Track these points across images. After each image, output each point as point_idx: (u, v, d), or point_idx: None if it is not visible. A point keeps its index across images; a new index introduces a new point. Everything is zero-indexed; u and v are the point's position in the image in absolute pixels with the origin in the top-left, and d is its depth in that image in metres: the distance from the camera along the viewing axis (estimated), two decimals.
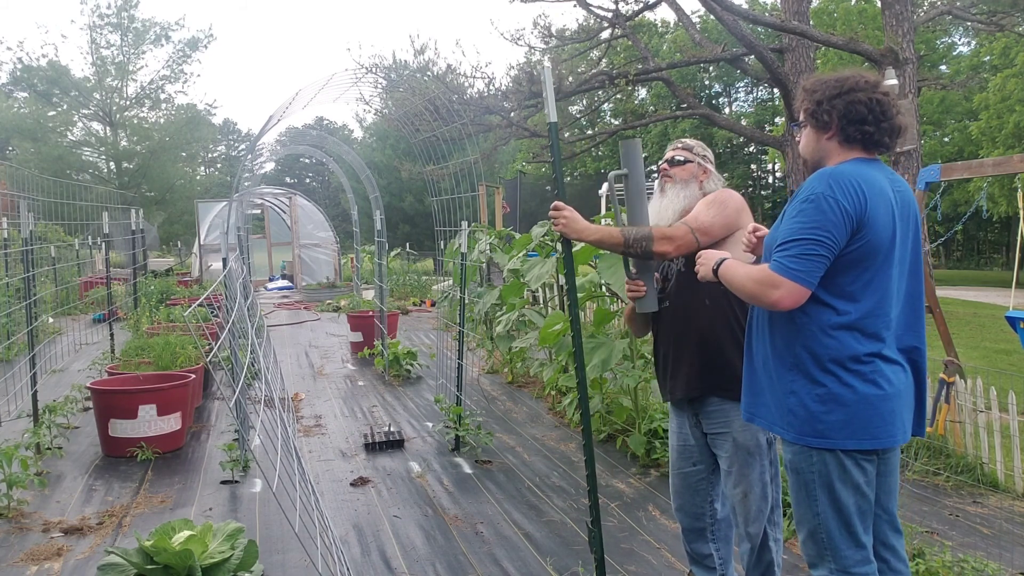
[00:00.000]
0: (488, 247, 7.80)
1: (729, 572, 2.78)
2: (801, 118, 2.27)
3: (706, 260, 2.32)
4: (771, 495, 2.60)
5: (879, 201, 2.05)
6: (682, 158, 2.80)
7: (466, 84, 17.32)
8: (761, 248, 2.34)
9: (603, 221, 5.27)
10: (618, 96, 18.70)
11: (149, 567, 2.96)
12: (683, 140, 2.89)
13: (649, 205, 2.79)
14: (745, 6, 21.08)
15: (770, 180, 46.59)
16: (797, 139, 2.32)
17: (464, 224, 5.54)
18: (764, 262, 2.25)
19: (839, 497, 2.11)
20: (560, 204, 2.62)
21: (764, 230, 2.37)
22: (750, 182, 45.76)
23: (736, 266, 2.23)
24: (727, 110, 44.77)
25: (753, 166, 46.24)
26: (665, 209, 2.76)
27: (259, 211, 19.85)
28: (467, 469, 4.81)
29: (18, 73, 32.27)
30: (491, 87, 16.46)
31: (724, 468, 2.63)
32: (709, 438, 2.66)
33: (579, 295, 5.40)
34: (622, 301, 4.79)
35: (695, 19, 23.19)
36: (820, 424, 2.09)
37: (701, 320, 2.61)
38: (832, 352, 2.08)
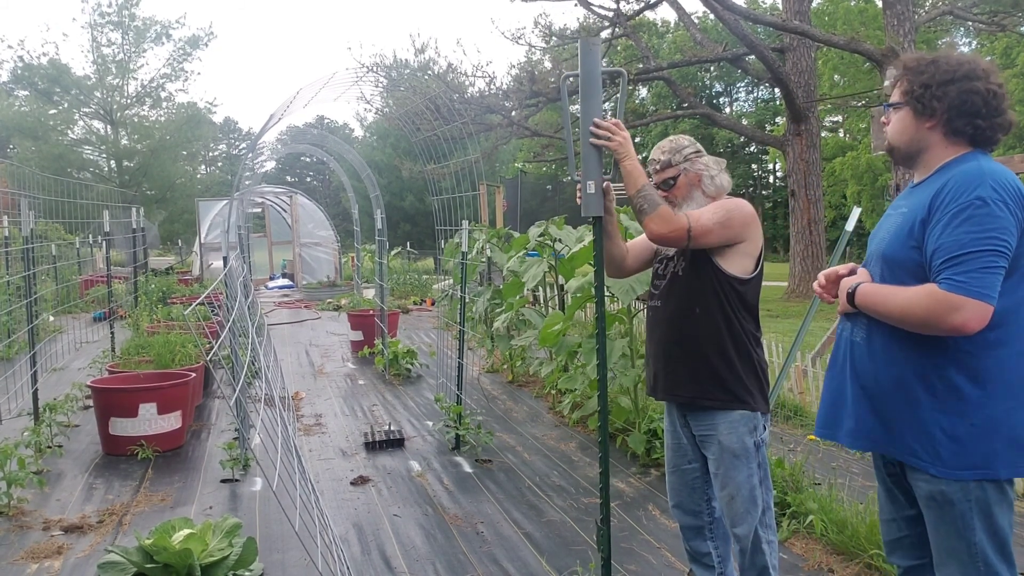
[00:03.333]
0: (487, 247, 7.81)
1: (728, 571, 2.77)
2: (897, 99, 2.04)
3: (840, 290, 2.09)
4: (761, 498, 2.55)
5: None
6: (671, 177, 2.61)
7: (467, 83, 17.34)
8: (834, 289, 2.14)
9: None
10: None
11: (149, 566, 2.96)
12: (656, 155, 2.66)
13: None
14: (746, 6, 21.07)
15: (771, 180, 46.58)
16: (884, 121, 2.11)
17: (465, 223, 5.55)
18: (876, 279, 2.04)
19: (996, 522, 1.93)
20: (619, 122, 2.46)
21: (841, 271, 2.15)
22: (751, 182, 45.79)
23: (884, 290, 1.96)
24: (728, 110, 44.76)
25: (754, 166, 46.28)
26: None
27: (260, 210, 19.85)
28: (467, 468, 4.81)
29: (19, 71, 32.29)
30: (492, 86, 16.47)
31: (712, 470, 2.61)
32: (698, 439, 2.65)
33: (579, 295, 5.43)
34: (621, 301, 4.79)
35: (696, 19, 23.18)
36: (979, 454, 1.90)
37: (689, 328, 2.56)
38: (991, 371, 1.89)
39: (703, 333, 2.54)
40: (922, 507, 2.03)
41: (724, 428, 2.53)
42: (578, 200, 2.56)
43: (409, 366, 7.76)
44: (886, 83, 2.16)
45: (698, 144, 2.69)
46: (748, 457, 2.53)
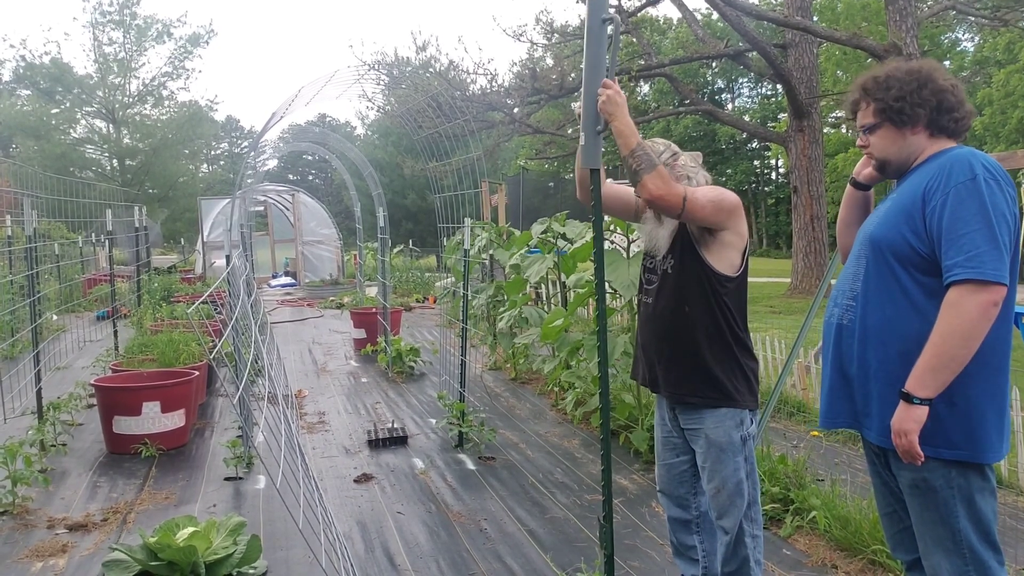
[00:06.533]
0: (487, 244, 7.80)
1: (713, 566, 2.77)
2: (871, 119, 2.09)
3: (903, 422, 1.92)
4: (747, 491, 2.58)
5: None
6: None
7: (468, 80, 17.30)
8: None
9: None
10: None
11: (153, 563, 2.97)
12: None
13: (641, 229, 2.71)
14: (748, 1, 21.05)
15: (773, 176, 46.54)
16: (862, 144, 2.16)
17: (467, 221, 5.55)
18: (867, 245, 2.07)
19: (979, 508, 1.96)
20: (609, 82, 2.41)
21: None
22: (753, 178, 45.74)
23: (929, 350, 1.87)
24: (730, 106, 44.68)
25: (756, 162, 46.23)
26: (653, 232, 2.65)
27: (262, 208, 19.87)
28: (470, 465, 4.81)
29: (21, 71, 32.33)
30: (493, 83, 16.46)
31: (699, 463, 2.64)
32: (686, 433, 2.67)
33: (580, 291, 5.43)
34: (623, 297, 4.79)
35: (698, 15, 23.13)
36: (971, 434, 1.91)
37: (680, 326, 2.57)
38: (983, 352, 1.86)
39: (693, 331, 2.56)
40: (905, 496, 2.07)
41: (711, 423, 2.56)
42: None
43: (412, 364, 7.77)
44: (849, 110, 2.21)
45: (673, 146, 2.68)
46: (735, 451, 2.56)
